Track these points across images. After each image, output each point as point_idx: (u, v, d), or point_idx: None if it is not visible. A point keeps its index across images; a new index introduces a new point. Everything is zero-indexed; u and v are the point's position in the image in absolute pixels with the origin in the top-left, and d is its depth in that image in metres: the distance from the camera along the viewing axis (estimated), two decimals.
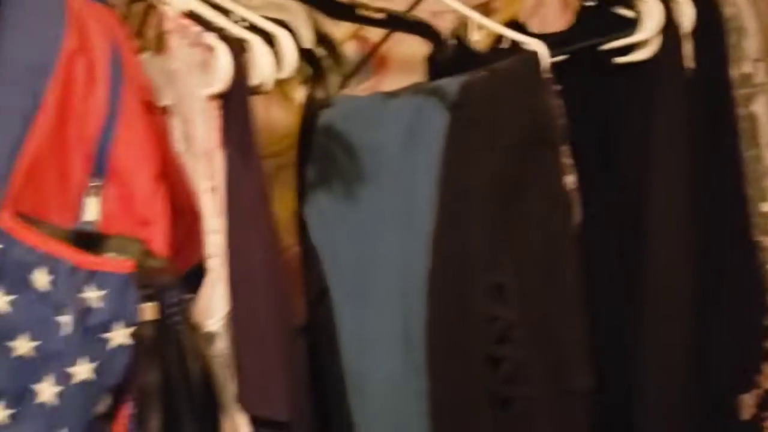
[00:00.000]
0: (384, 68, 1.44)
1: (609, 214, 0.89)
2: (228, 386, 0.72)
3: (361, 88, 1.40)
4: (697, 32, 0.83)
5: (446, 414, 0.88)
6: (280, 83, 1.34)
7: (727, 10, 0.83)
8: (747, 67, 0.83)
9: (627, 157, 0.86)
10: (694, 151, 0.83)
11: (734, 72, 0.83)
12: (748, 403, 0.84)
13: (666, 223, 0.81)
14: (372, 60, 1.42)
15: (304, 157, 1.05)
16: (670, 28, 0.82)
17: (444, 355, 0.88)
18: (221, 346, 0.71)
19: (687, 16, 0.82)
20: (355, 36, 1.41)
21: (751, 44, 0.84)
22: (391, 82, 1.39)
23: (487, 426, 0.86)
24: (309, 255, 1.06)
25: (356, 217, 0.99)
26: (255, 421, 0.73)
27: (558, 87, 0.87)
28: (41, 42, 0.57)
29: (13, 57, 0.57)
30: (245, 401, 0.71)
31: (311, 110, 1.05)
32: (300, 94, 1.09)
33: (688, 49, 0.83)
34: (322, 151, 1.02)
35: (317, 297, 1.05)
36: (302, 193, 1.05)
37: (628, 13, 0.86)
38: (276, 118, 1.39)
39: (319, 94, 0.77)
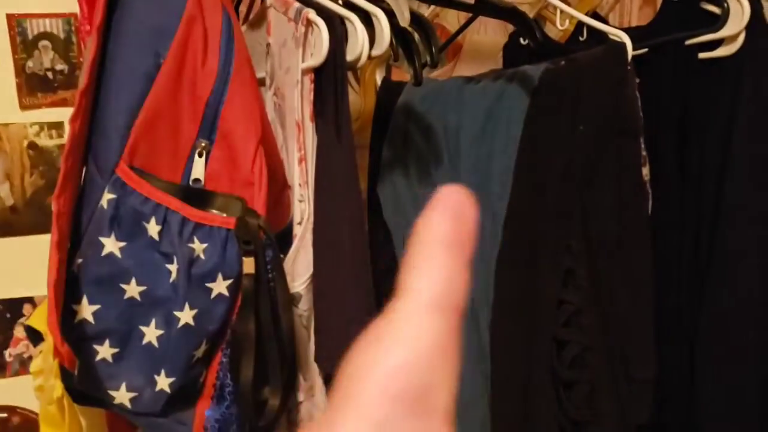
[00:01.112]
0: (457, 55, 1.46)
1: (682, 207, 0.89)
2: (307, 345, 0.75)
3: (434, 74, 1.43)
4: None
5: (509, 393, 0.90)
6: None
7: None
8: None
9: (706, 153, 0.86)
10: None
11: None
12: None
13: (743, 221, 0.81)
14: (447, 48, 1.44)
15: (379, 136, 1.07)
16: (756, 25, 0.82)
17: (508, 335, 0.90)
18: (303, 307, 0.75)
19: None
20: (432, 22, 1.43)
21: None
22: (464, 68, 1.41)
23: (549, 407, 0.87)
24: (378, 233, 1.08)
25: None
26: (330, 379, 0.76)
27: (638, 80, 0.88)
28: (166, 7, 0.61)
29: (140, 19, 0.61)
30: (323, 359, 0.74)
31: (388, 91, 1.07)
32: (375, 76, 1.12)
33: None
34: (399, 132, 1.05)
35: (386, 273, 1.08)
36: (376, 172, 1.07)
37: (713, 8, 0.86)
38: (349, 99, 1.42)
39: (412, 74, 0.79)
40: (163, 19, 0.60)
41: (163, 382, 0.59)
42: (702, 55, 0.88)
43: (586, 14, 1.17)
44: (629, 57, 0.84)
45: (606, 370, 0.86)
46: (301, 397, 0.78)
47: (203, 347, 0.61)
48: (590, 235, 0.87)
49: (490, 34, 1.50)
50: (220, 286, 0.60)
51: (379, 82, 1.12)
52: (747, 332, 0.81)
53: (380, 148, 1.07)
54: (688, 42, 0.89)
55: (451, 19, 1.54)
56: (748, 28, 0.84)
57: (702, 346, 0.87)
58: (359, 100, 1.44)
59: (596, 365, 0.86)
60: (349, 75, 1.42)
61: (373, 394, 0.18)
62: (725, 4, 0.84)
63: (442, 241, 0.19)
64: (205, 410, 0.62)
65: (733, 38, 0.84)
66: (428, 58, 0.77)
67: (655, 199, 0.91)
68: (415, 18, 0.76)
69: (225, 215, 0.61)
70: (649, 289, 0.86)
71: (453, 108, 1.00)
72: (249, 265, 0.60)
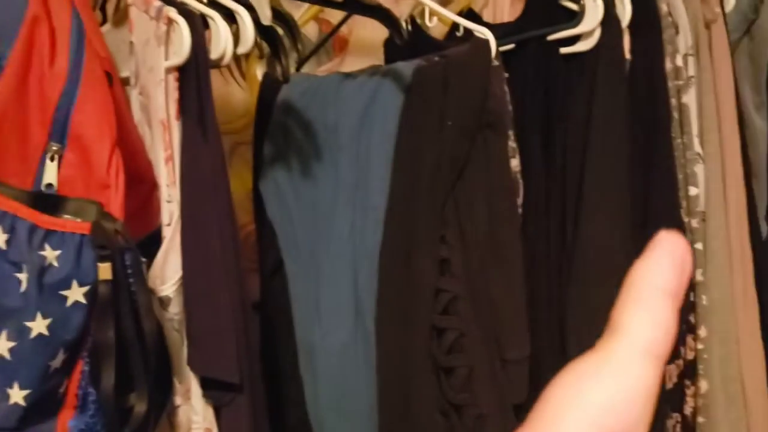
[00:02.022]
0: (344, 50, 1.47)
1: (550, 195, 0.94)
2: (180, 349, 0.75)
3: (321, 69, 1.43)
4: (635, 27, 0.88)
5: (393, 381, 0.92)
6: (240, 61, 1.37)
7: (662, 7, 0.88)
8: (679, 61, 0.88)
9: (568, 142, 0.90)
10: (630, 137, 0.87)
11: (668, 65, 0.88)
12: (671, 373, 0.90)
13: (601, 203, 0.85)
14: (333, 42, 1.45)
15: (261, 133, 1.07)
16: (610, 21, 0.86)
17: (392, 325, 0.92)
18: (174, 311, 0.74)
19: (625, 11, 0.87)
20: (317, 18, 1.43)
21: (682, 40, 0.89)
22: (351, 63, 1.42)
23: (431, 393, 0.90)
24: (265, 230, 1.08)
25: (312, 193, 1.02)
26: (206, 382, 0.76)
27: (506, 74, 0.91)
28: (6, 7, 0.59)
29: None
30: (196, 363, 0.73)
31: (269, 87, 1.07)
32: (258, 70, 1.12)
33: (626, 42, 0.88)
34: (279, 128, 1.05)
35: (272, 270, 1.08)
36: (259, 169, 1.07)
37: (572, 6, 0.90)
38: (235, 96, 1.41)
39: (278, 71, 0.79)
40: (4, 21, 0.58)
41: (17, 395, 0.57)
42: (563, 50, 0.92)
43: (461, 11, 1.20)
44: (493, 53, 0.87)
45: (483, 354, 0.89)
46: (178, 401, 0.77)
47: (61, 357, 0.60)
48: (464, 226, 0.90)
49: (376, 29, 1.51)
50: (76, 294, 0.58)
51: (260, 77, 1.12)
52: (608, 309, 0.86)
53: (262, 146, 1.07)
54: (550, 37, 0.93)
55: (337, 13, 1.55)
56: (603, 24, 0.88)
57: (571, 324, 0.91)
58: (247, 95, 1.43)
59: (473, 350, 0.89)
60: (236, 71, 1.42)
61: (582, 426, 0.18)
62: (581, 1, 0.88)
63: (664, 290, 0.19)
64: (68, 420, 0.61)
65: (589, 34, 0.89)
66: (295, 54, 0.78)
67: (525, 190, 0.94)
68: (278, 14, 0.77)
69: (79, 220, 0.59)
70: (521, 275, 0.90)
71: (331, 105, 1.01)
72: (106, 270, 0.59)
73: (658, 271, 0.20)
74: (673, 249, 0.20)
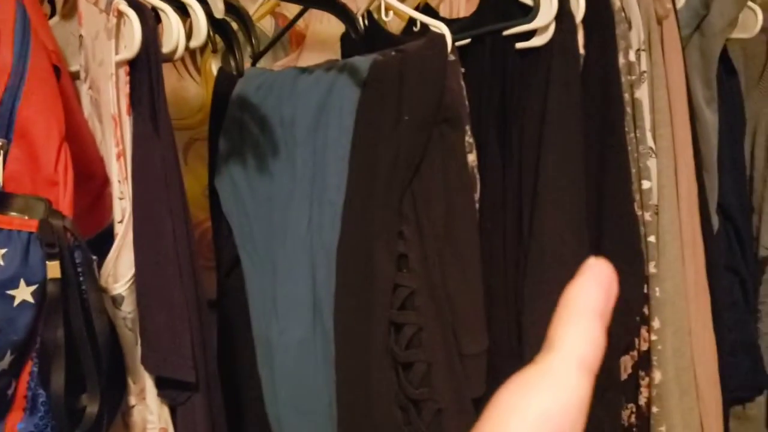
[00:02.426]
0: (301, 45, 1.46)
1: (507, 190, 0.94)
2: (134, 348, 0.73)
3: (278, 64, 1.42)
4: (588, 22, 0.89)
5: (351, 376, 0.92)
6: (195, 56, 1.35)
7: (615, 3, 0.89)
8: (632, 56, 0.90)
9: (524, 136, 0.91)
10: (584, 132, 0.88)
11: (621, 60, 0.89)
12: (626, 365, 0.92)
13: (556, 196, 0.86)
14: (289, 36, 1.44)
15: (216, 128, 1.05)
16: (564, 17, 0.87)
17: (350, 321, 0.91)
18: (127, 309, 0.73)
19: (579, 6, 0.88)
20: (273, 12, 1.42)
21: (635, 35, 0.90)
22: (308, 58, 1.41)
23: (389, 388, 0.90)
24: (221, 227, 1.07)
25: (268, 188, 1.01)
26: (161, 381, 0.74)
27: (462, 69, 0.91)
28: None
29: None
30: (150, 362, 0.72)
31: (224, 81, 1.06)
32: (213, 66, 1.10)
33: (580, 37, 0.89)
34: (235, 123, 1.04)
35: (229, 267, 1.07)
36: (214, 165, 1.06)
37: (527, 1, 0.91)
38: (190, 91, 1.39)
39: (232, 66, 0.78)
40: None
41: None
42: (518, 45, 0.92)
43: (418, 5, 1.20)
44: (449, 48, 0.88)
45: (441, 349, 0.89)
46: (132, 401, 0.76)
47: (8, 358, 0.58)
48: (421, 221, 0.90)
49: (333, 24, 1.50)
50: (23, 293, 0.57)
51: (215, 72, 1.10)
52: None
53: (217, 141, 1.06)
54: (506, 33, 0.94)
55: (293, 8, 1.53)
56: (557, 19, 0.89)
57: (527, 318, 0.92)
58: (202, 90, 1.41)
59: (431, 344, 0.89)
60: (191, 66, 1.39)
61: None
62: None
63: (594, 311, 0.21)
64: (17, 423, 0.59)
65: (544, 29, 0.90)
66: (250, 49, 0.77)
67: (482, 184, 0.95)
68: (232, 8, 0.76)
69: (26, 217, 0.58)
70: (478, 269, 0.91)
71: (287, 99, 1.00)
72: (55, 269, 0.57)
73: (589, 294, 0.22)
74: (600, 274, 0.22)
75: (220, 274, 1.09)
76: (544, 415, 0.20)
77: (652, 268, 0.90)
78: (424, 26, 0.99)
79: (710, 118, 1.11)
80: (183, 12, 0.73)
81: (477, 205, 0.95)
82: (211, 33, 0.74)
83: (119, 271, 0.72)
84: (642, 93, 0.90)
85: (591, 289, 0.22)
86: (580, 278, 0.22)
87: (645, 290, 0.91)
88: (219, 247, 1.09)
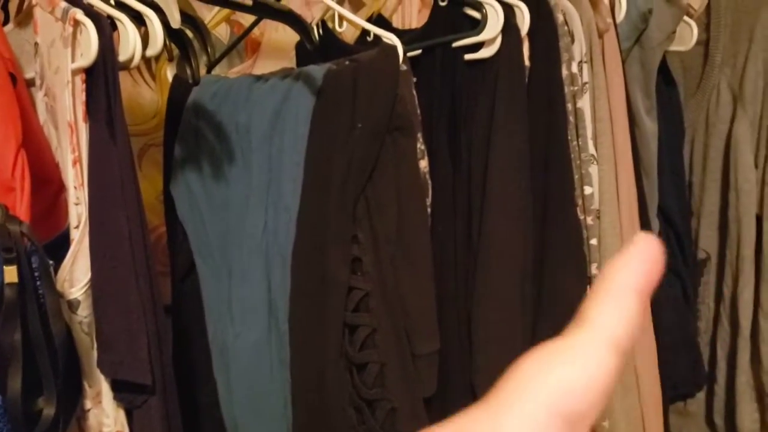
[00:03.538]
0: (257, 53, 1.47)
1: (457, 195, 0.97)
2: (90, 351, 0.74)
3: (233, 71, 1.43)
4: (533, 35, 0.93)
5: (306, 378, 0.94)
6: (150, 63, 1.35)
7: (559, 17, 0.93)
8: (574, 68, 0.94)
9: (472, 144, 0.94)
10: (530, 140, 0.92)
11: (564, 71, 0.93)
12: None
13: (502, 201, 0.90)
14: (245, 44, 1.45)
15: (171, 135, 1.06)
16: (510, 30, 0.91)
17: (305, 324, 0.93)
18: (83, 314, 0.74)
19: (524, 20, 0.92)
20: (228, 20, 1.43)
21: (577, 48, 0.95)
22: (263, 65, 1.43)
23: (343, 389, 0.92)
24: (176, 233, 1.08)
25: (223, 194, 1.03)
26: (117, 384, 0.75)
27: (414, 78, 0.94)
28: None
29: None
30: (106, 366, 0.73)
31: (179, 89, 1.07)
32: (168, 72, 1.11)
33: (525, 49, 0.92)
34: (190, 130, 1.05)
35: (184, 273, 1.08)
36: (169, 171, 1.07)
37: (475, 14, 0.94)
38: (145, 97, 1.40)
39: (188, 73, 0.79)
40: None
41: None
42: (467, 57, 0.96)
43: (372, 15, 1.23)
44: (401, 58, 0.90)
45: (394, 349, 0.92)
46: (88, 404, 0.77)
47: None
48: (374, 225, 0.92)
49: (288, 32, 1.52)
50: None
51: (170, 78, 1.11)
52: (511, 305, 0.91)
53: (172, 147, 1.07)
54: (455, 44, 0.97)
55: (249, 16, 1.55)
56: (504, 32, 0.93)
57: (476, 319, 0.95)
58: (156, 96, 1.41)
59: (384, 345, 0.92)
60: (146, 72, 1.40)
61: (541, 405, 0.19)
62: (483, 10, 0.93)
63: (635, 289, 0.20)
64: None
65: (491, 41, 0.93)
66: (205, 57, 0.79)
67: (433, 189, 0.98)
68: (188, 18, 0.77)
69: None
70: (430, 272, 0.94)
71: (242, 106, 1.02)
72: (12, 273, 0.58)
73: (631, 270, 0.21)
74: (646, 250, 0.21)
75: (175, 279, 1.10)
76: (565, 387, 0.19)
77: (594, 270, 0.94)
78: (378, 36, 1.01)
79: (650, 126, 1.16)
80: (139, 21, 0.75)
81: (429, 210, 0.98)
82: (167, 42, 0.76)
83: (75, 275, 0.73)
84: (584, 103, 0.94)
85: (634, 265, 0.21)
86: (625, 253, 0.21)
87: (588, 291, 0.95)
88: (174, 252, 1.10)
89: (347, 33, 1.28)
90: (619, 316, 0.20)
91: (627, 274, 0.21)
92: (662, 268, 0.21)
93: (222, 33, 1.48)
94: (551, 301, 0.89)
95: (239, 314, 1.00)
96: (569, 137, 0.92)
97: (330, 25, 1.22)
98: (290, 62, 1.31)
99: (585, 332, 0.20)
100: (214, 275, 1.04)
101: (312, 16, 1.44)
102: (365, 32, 1.19)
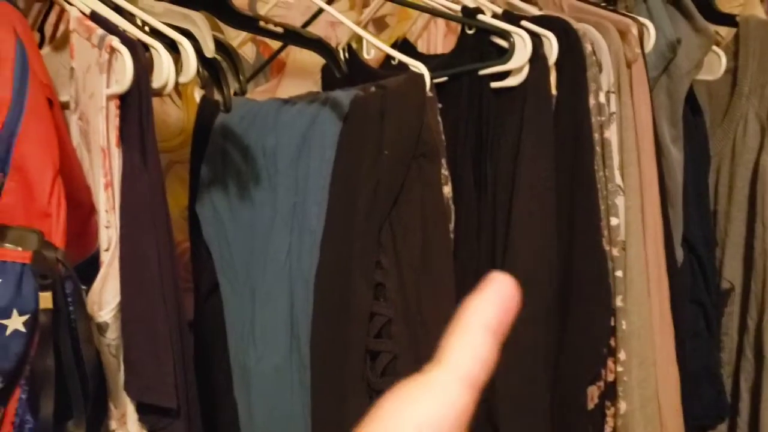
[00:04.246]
0: (282, 72, 1.49)
1: (481, 222, 0.98)
2: (117, 374, 0.75)
3: (258, 90, 1.45)
4: (561, 64, 0.93)
5: (327, 404, 0.94)
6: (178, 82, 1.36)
7: (587, 47, 0.94)
8: (602, 98, 0.94)
9: (498, 171, 0.95)
10: (556, 169, 0.92)
11: (591, 101, 0.93)
12: (593, 395, 0.95)
13: (528, 230, 0.90)
14: (270, 64, 1.47)
15: (198, 156, 1.08)
16: (538, 59, 0.91)
17: (327, 349, 0.94)
18: (111, 336, 0.74)
19: (552, 49, 0.92)
20: (254, 39, 1.45)
21: (605, 78, 0.95)
22: (288, 86, 1.44)
23: (364, 415, 0.92)
24: (200, 251, 1.09)
25: (249, 216, 1.03)
26: (142, 407, 0.76)
27: (439, 105, 0.95)
28: None
29: None
30: (132, 388, 0.74)
31: (207, 110, 1.08)
32: (197, 93, 1.12)
33: (553, 78, 0.93)
34: (218, 151, 1.06)
35: (207, 292, 1.09)
36: (196, 191, 1.08)
37: (502, 43, 0.95)
38: (171, 115, 1.41)
39: (220, 101, 0.81)
40: None
41: None
42: (493, 85, 0.96)
43: (397, 40, 1.24)
44: (428, 86, 0.91)
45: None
46: (113, 425, 0.77)
47: None
48: (398, 251, 0.93)
49: (313, 53, 1.54)
50: (15, 323, 0.59)
51: (198, 99, 1.13)
52: (534, 335, 0.91)
53: (199, 168, 1.08)
54: (481, 72, 0.97)
55: None
56: (531, 61, 0.93)
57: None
58: (182, 115, 1.43)
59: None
60: (174, 91, 1.41)
61: None
62: (511, 39, 0.93)
63: (487, 327, 0.22)
64: None
65: (518, 70, 0.94)
66: (237, 85, 0.80)
67: (456, 215, 0.98)
68: (221, 46, 0.78)
69: (20, 249, 0.59)
70: (453, 298, 0.94)
71: (270, 130, 1.03)
72: (47, 300, 0.59)
73: (484, 309, 0.22)
74: (500, 289, 0.22)
75: (199, 297, 1.10)
76: (423, 423, 0.21)
77: (619, 302, 0.94)
78: (403, 62, 1.02)
79: (676, 155, 1.16)
80: (173, 48, 0.76)
81: (452, 236, 0.99)
82: (200, 69, 0.77)
83: (104, 298, 0.74)
84: (611, 133, 0.94)
85: (487, 304, 0.22)
86: (479, 292, 0.22)
87: (612, 323, 0.95)
88: (197, 270, 1.11)
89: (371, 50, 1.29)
90: (471, 354, 0.22)
91: (480, 313, 0.22)
92: (516, 307, 0.22)
93: (248, 52, 1.50)
94: (575, 332, 0.89)
95: (261, 336, 1.01)
96: (596, 167, 0.92)
97: (354, 46, 1.24)
98: (315, 83, 1.32)
99: (440, 371, 0.22)
100: (237, 296, 1.05)
101: (337, 36, 1.45)
102: (390, 56, 1.20)
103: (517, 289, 0.23)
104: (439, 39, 1.21)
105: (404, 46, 1.19)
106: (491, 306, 0.22)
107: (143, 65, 0.73)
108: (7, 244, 0.59)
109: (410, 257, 0.93)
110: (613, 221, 0.93)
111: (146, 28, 0.78)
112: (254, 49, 1.52)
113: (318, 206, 0.97)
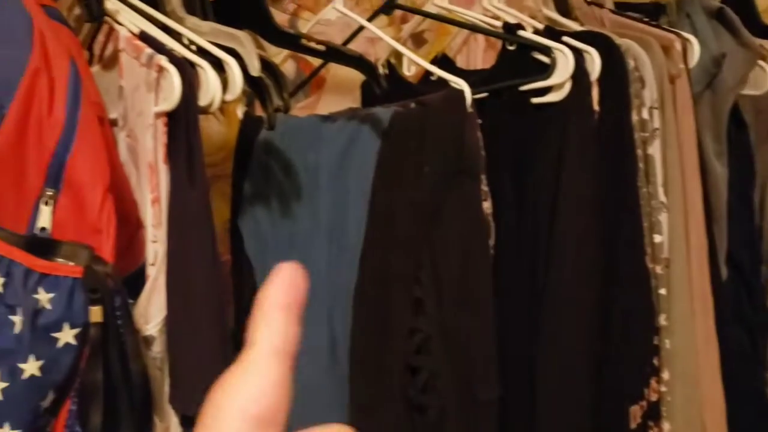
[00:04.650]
0: (321, 89, 1.50)
1: (521, 238, 0.97)
2: (162, 387, 0.76)
3: (298, 106, 1.46)
4: (604, 80, 0.93)
5: (366, 419, 0.94)
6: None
7: (630, 62, 0.93)
8: (645, 114, 0.93)
9: (539, 187, 0.94)
10: (598, 185, 0.92)
11: (634, 117, 0.93)
12: (635, 414, 0.94)
13: (571, 247, 0.89)
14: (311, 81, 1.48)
15: (241, 171, 1.09)
16: (580, 75, 0.91)
17: (366, 363, 0.94)
18: (157, 350, 0.76)
19: (594, 65, 0.92)
20: (294, 56, 1.47)
21: (648, 94, 0.94)
22: (327, 102, 1.46)
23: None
24: (241, 265, 1.10)
25: (290, 231, 1.05)
26: (186, 420, 0.77)
27: (479, 121, 0.95)
28: (8, 61, 0.61)
29: None
30: (177, 401, 0.75)
31: (250, 126, 1.10)
32: (238, 109, 1.14)
33: (595, 94, 0.92)
34: (260, 167, 1.07)
35: (248, 305, 1.10)
36: (238, 206, 1.09)
37: (544, 59, 0.95)
38: (213, 130, 1.43)
39: (265, 119, 0.82)
40: (6, 73, 0.61)
41: None
42: (534, 100, 0.96)
43: (437, 56, 1.25)
44: (468, 102, 0.91)
45: (454, 394, 0.92)
46: None
47: (50, 397, 0.61)
48: (437, 267, 0.93)
49: (352, 69, 1.55)
50: (66, 336, 0.60)
51: (240, 116, 1.14)
52: (577, 353, 0.90)
53: (241, 183, 1.09)
54: (522, 88, 0.97)
55: None
56: (573, 77, 0.93)
57: (540, 365, 0.94)
58: (224, 130, 1.45)
59: (445, 389, 0.92)
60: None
61: (236, 416, 0.24)
62: (553, 55, 0.93)
63: (278, 305, 0.25)
64: None
65: (560, 86, 0.93)
66: (281, 103, 0.81)
67: (496, 232, 0.98)
68: (265, 64, 0.80)
69: (71, 264, 0.61)
70: (492, 315, 0.93)
71: (311, 146, 1.04)
72: (97, 313, 0.61)
73: (273, 293, 0.26)
74: (284, 273, 0.26)
75: (239, 311, 1.12)
76: (249, 398, 0.24)
77: (662, 321, 0.93)
78: (443, 78, 1.03)
79: (720, 171, 1.15)
80: (219, 67, 0.77)
81: (492, 252, 0.98)
82: (246, 88, 0.78)
83: (150, 312, 0.75)
84: (654, 149, 0.93)
85: (276, 287, 0.26)
86: (268, 282, 0.26)
87: (656, 342, 0.94)
88: (238, 284, 1.12)
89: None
90: (272, 329, 0.25)
91: (271, 295, 0.26)
92: (303, 284, 0.26)
93: (289, 69, 1.52)
94: (618, 350, 0.88)
95: (300, 351, 1.01)
96: (639, 184, 0.91)
97: (392, 61, 1.24)
98: (354, 99, 1.33)
99: (251, 350, 0.25)
100: None
101: (375, 52, 1.46)
102: (429, 71, 1.20)
103: (300, 269, 0.26)
104: (479, 54, 1.21)
105: (444, 61, 1.19)
106: (278, 287, 0.26)
107: (190, 84, 0.74)
108: (59, 259, 0.61)
109: (449, 273, 0.93)
110: (657, 238, 0.92)
111: (193, 47, 0.80)
112: (294, 65, 1.54)
113: (357, 222, 0.98)
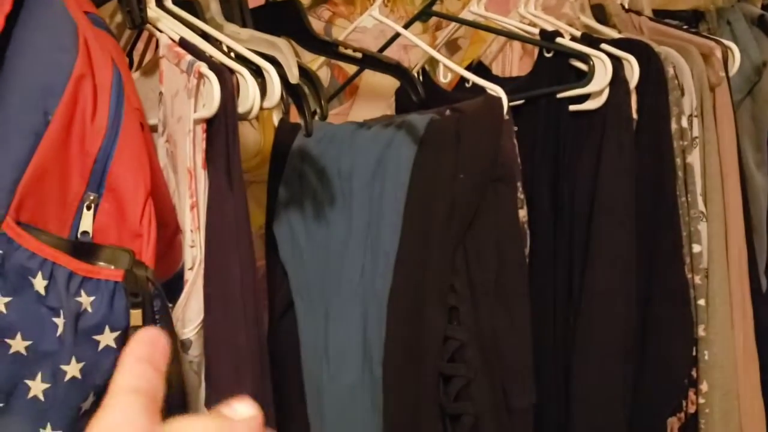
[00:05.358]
0: (355, 96, 1.51)
1: (557, 246, 0.96)
2: (198, 390, 0.77)
3: (332, 113, 1.47)
4: (642, 88, 0.92)
5: (400, 426, 0.94)
6: None
7: (669, 70, 0.92)
8: (684, 122, 0.92)
9: (576, 195, 0.93)
10: (636, 194, 0.91)
11: (673, 125, 0.91)
12: (673, 426, 0.92)
13: (607, 256, 0.88)
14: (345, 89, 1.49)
15: (276, 177, 1.10)
16: (618, 82, 0.90)
17: (399, 371, 0.94)
18: (194, 353, 0.76)
19: (633, 72, 0.91)
20: (329, 63, 1.48)
21: (688, 102, 0.93)
22: (361, 109, 1.46)
23: None
24: (276, 270, 1.11)
25: (325, 236, 1.05)
26: None
27: (515, 128, 0.95)
28: (54, 66, 0.62)
29: (28, 78, 0.61)
30: (213, 405, 0.75)
31: (285, 132, 1.11)
32: (275, 116, 1.15)
33: (633, 102, 0.91)
34: (295, 173, 1.08)
35: (282, 310, 1.10)
36: (273, 211, 1.10)
37: (581, 66, 0.94)
38: (248, 136, 1.45)
39: (303, 125, 0.83)
40: (51, 78, 0.62)
41: None
42: (572, 108, 0.95)
43: (472, 62, 1.24)
44: (505, 110, 0.91)
45: (489, 402, 0.91)
46: None
47: (90, 399, 0.62)
48: (472, 275, 0.93)
49: (386, 75, 1.56)
50: (107, 339, 0.61)
51: (276, 122, 1.15)
52: (614, 363, 0.89)
53: (277, 189, 1.10)
54: (560, 95, 0.97)
55: None
56: (612, 84, 0.92)
57: (577, 374, 0.93)
58: (259, 136, 1.46)
59: (480, 397, 0.91)
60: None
61: None
62: (591, 62, 0.92)
63: (135, 357, 0.30)
64: None
65: (598, 93, 0.93)
66: (318, 110, 0.81)
67: (532, 239, 0.97)
68: (304, 72, 0.80)
69: (113, 267, 0.62)
70: (527, 323, 0.93)
71: (346, 152, 1.04)
72: (137, 317, 0.61)
73: (133, 347, 0.30)
74: (144, 334, 0.30)
75: (273, 315, 1.12)
76: (111, 427, 0.27)
77: (701, 332, 0.91)
78: (478, 84, 1.02)
79: (760, 180, 1.13)
80: (258, 74, 0.78)
81: (527, 260, 0.98)
82: (284, 95, 0.79)
83: (188, 316, 0.76)
84: (693, 158, 0.92)
85: (134, 344, 0.30)
86: (132, 338, 0.30)
87: (694, 353, 0.92)
88: (272, 288, 1.13)
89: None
90: (130, 374, 0.29)
91: (130, 350, 0.30)
92: (163, 341, 0.30)
93: (323, 76, 1.53)
94: (655, 362, 0.87)
95: (334, 356, 1.02)
96: (678, 193, 0.90)
97: (427, 67, 1.24)
98: (388, 106, 1.33)
99: (110, 395, 0.28)
100: (311, 316, 1.06)
101: (409, 59, 1.46)
102: (464, 78, 1.20)
103: (160, 332, 0.31)
104: (515, 62, 1.21)
105: (479, 68, 1.19)
106: (138, 344, 0.30)
107: (230, 90, 0.75)
108: (100, 263, 0.62)
109: (484, 281, 0.93)
110: (696, 248, 0.91)
111: (232, 54, 0.81)
112: (328, 72, 1.55)
113: (392, 228, 0.98)
